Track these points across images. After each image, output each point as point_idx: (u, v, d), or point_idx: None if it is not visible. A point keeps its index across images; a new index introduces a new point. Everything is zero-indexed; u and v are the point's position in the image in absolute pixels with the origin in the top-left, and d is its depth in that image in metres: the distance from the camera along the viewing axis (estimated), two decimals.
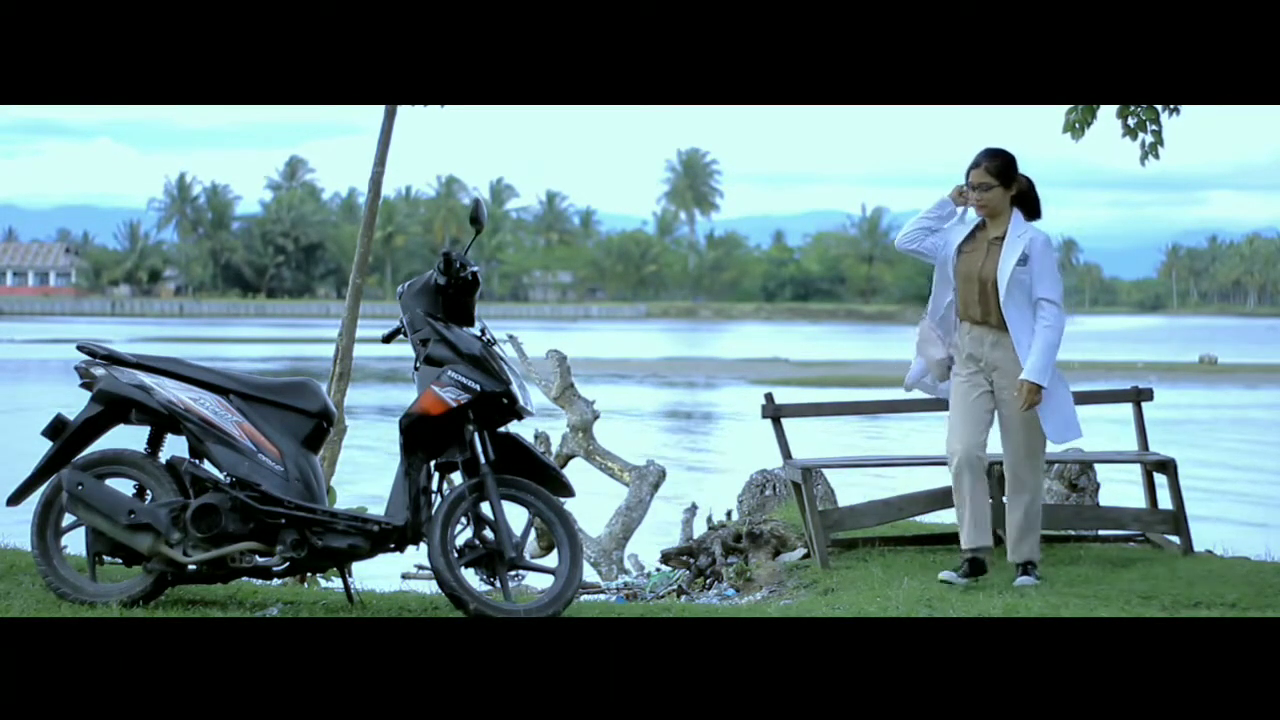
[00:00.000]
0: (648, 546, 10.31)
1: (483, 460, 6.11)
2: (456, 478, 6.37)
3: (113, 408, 6.19)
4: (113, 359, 6.26)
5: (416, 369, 6.23)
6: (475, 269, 6.30)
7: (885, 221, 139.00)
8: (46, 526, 6.23)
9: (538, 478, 6.24)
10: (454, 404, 6.07)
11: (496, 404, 6.15)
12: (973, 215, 7.44)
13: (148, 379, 6.20)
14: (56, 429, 6.23)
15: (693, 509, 10.37)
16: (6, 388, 37.04)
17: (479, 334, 6.26)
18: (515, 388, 6.18)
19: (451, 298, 6.24)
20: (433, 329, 6.20)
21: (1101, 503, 9.38)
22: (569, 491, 6.35)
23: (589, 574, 9.98)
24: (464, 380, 6.09)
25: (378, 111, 9.33)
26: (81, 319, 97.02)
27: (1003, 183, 7.29)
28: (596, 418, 10.68)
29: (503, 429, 6.26)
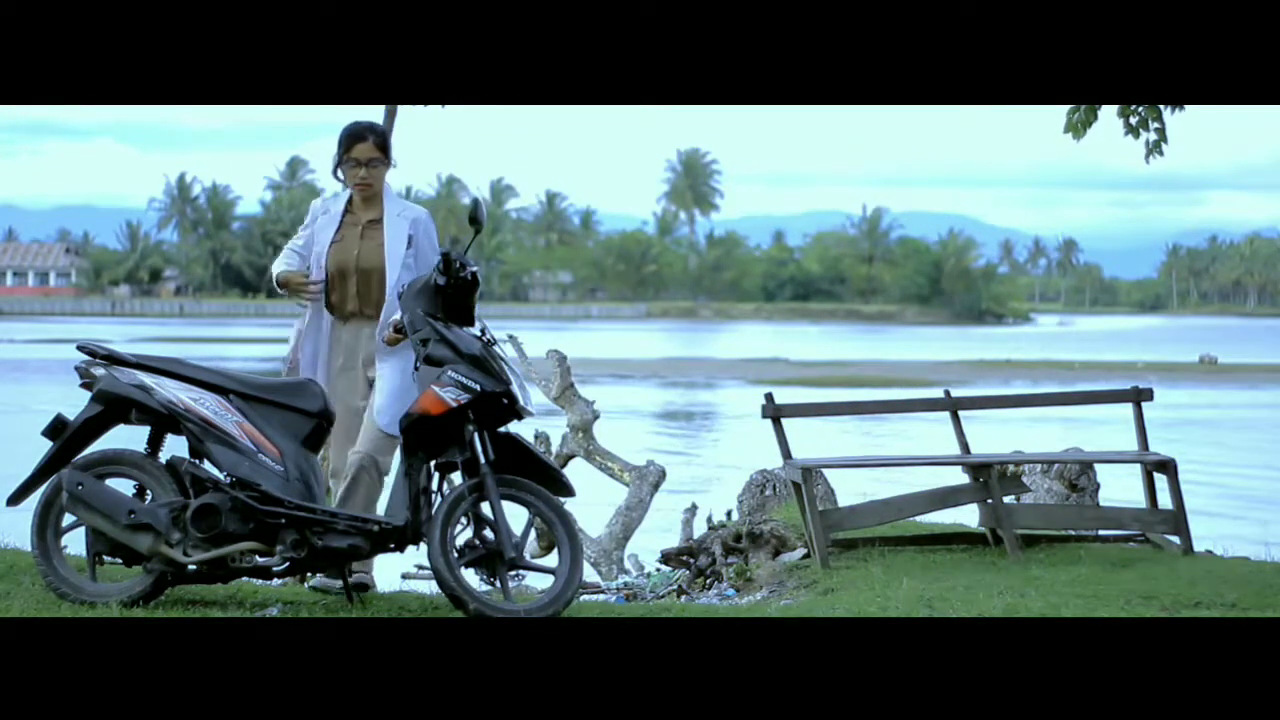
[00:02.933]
0: (648, 546, 10.31)
1: (482, 460, 6.11)
2: (456, 477, 6.37)
3: (113, 408, 6.18)
4: (113, 359, 6.26)
5: (417, 369, 6.24)
6: (475, 269, 6.30)
7: (885, 221, 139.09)
8: (46, 526, 6.23)
9: (538, 477, 6.24)
10: (454, 404, 6.08)
11: (496, 404, 6.16)
12: (338, 205, 6.77)
13: (148, 379, 6.20)
14: (56, 429, 6.23)
15: (693, 509, 10.37)
16: (6, 388, 37.03)
17: (479, 334, 6.27)
18: (515, 388, 6.18)
19: (451, 298, 6.25)
20: (432, 329, 6.20)
21: (1101, 503, 9.38)
22: (569, 491, 6.35)
23: (589, 574, 9.97)
24: (464, 380, 6.09)
25: (378, 111, 9.33)
26: (81, 319, 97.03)
27: (388, 158, 6.70)
28: (596, 418, 10.68)
29: (503, 429, 6.26)
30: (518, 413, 6.21)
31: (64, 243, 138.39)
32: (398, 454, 6.38)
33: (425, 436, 6.16)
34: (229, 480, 6.13)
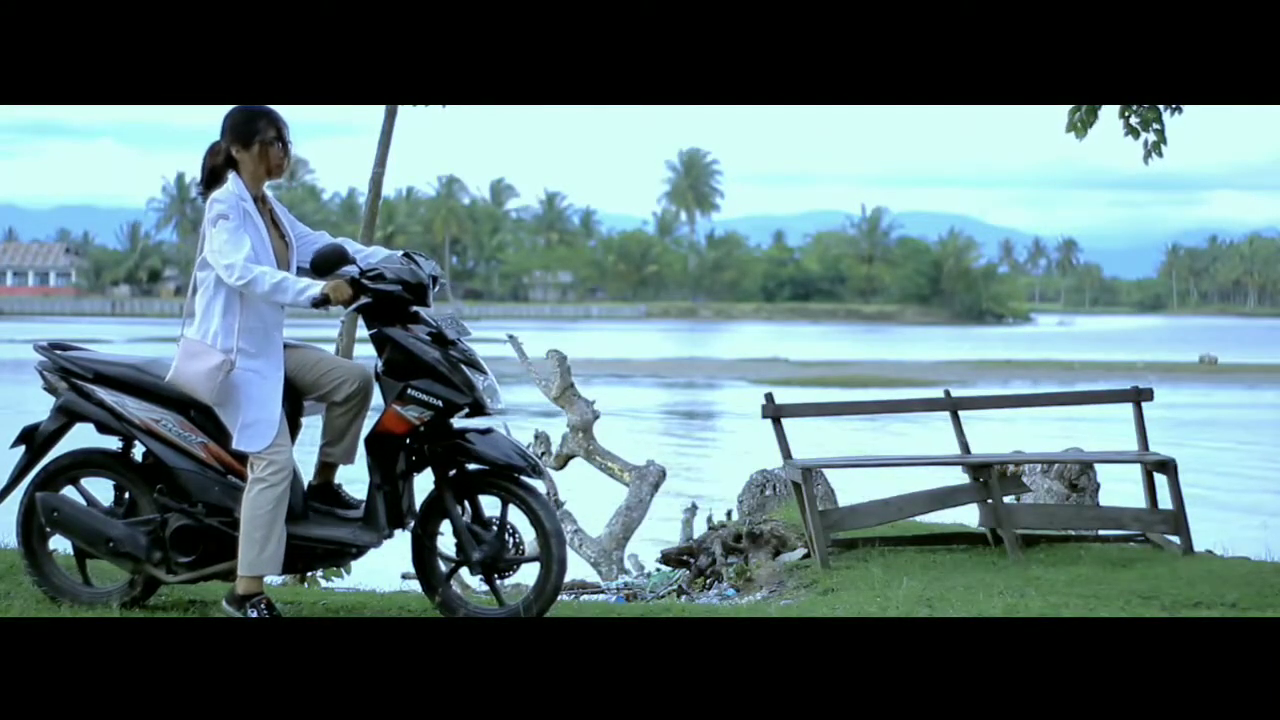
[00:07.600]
0: (648, 546, 10.32)
1: (459, 468, 6.04)
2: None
3: (76, 418, 6.14)
4: (69, 372, 6.13)
5: (378, 376, 6.07)
6: (430, 273, 6.09)
7: (885, 221, 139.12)
8: (31, 534, 6.18)
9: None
10: (417, 423, 5.98)
11: (462, 411, 6.07)
12: (245, 193, 5.94)
13: (109, 399, 6.05)
14: (26, 437, 6.18)
15: (693, 509, 10.38)
16: (6, 388, 37.02)
17: (434, 329, 6.03)
18: (481, 389, 6.02)
19: (397, 301, 6.05)
20: (388, 336, 6.03)
21: (1101, 503, 9.38)
22: (537, 471, 6.14)
23: (589, 574, 9.97)
24: (426, 398, 5.94)
25: (378, 111, 9.33)
26: (81, 319, 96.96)
27: None
28: (597, 418, 10.67)
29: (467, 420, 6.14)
30: (485, 413, 6.11)
31: (64, 243, 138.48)
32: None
33: (391, 448, 6.04)
34: (203, 508, 6.01)
